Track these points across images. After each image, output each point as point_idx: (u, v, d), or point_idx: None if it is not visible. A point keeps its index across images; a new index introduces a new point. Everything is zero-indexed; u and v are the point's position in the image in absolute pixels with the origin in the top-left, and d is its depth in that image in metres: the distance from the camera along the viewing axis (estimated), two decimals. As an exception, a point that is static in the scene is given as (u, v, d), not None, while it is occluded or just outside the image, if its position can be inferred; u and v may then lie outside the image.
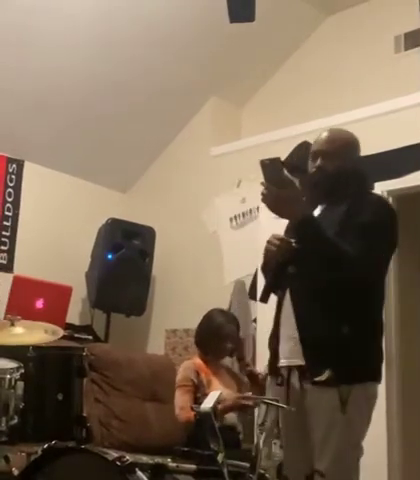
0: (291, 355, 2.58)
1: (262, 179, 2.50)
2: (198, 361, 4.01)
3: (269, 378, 2.71)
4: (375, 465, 4.30)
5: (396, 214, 2.68)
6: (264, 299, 2.63)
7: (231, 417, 3.77)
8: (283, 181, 2.46)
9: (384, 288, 2.69)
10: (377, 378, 2.60)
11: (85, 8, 4.89)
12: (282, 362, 2.63)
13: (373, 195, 2.75)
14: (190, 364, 3.99)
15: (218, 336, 4.00)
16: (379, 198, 2.73)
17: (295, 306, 2.58)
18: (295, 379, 2.57)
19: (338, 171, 2.65)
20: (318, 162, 2.68)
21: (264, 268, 2.75)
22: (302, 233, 2.51)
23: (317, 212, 2.68)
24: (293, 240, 2.56)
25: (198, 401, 3.42)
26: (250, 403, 3.66)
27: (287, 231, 2.69)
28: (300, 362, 2.54)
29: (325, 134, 2.75)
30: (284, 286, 2.64)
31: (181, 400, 3.75)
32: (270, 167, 2.44)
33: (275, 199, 2.47)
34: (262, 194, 2.49)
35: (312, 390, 2.50)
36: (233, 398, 3.74)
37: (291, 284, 2.62)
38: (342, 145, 2.71)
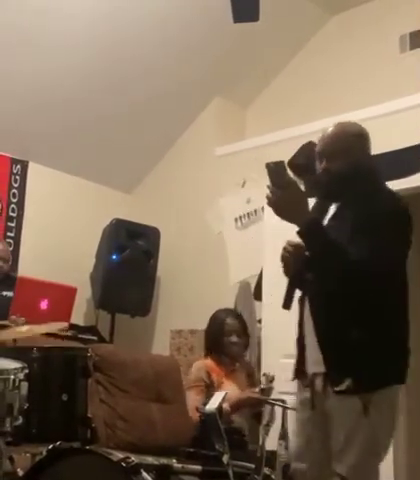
0: (318, 363, 2.52)
1: (267, 181, 2.48)
2: (209, 362, 4.00)
3: (296, 382, 2.66)
4: (381, 465, 4.29)
5: (408, 210, 2.61)
6: (287, 306, 2.59)
7: (238, 420, 3.76)
8: (287, 183, 2.45)
9: (404, 285, 2.63)
10: (399, 380, 2.54)
11: (85, 8, 4.89)
12: (310, 369, 2.58)
13: (384, 193, 2.63)
14: (202, 364, 4.00)
15: (221, 332, 4.00)
16: (390, 196, 2.61)
17: (313, 313, 2.54)
18: (319, 382, 2.53)
19: (343, 171, 2.57)
20: (323, 163, 2.63)
21: (285, 273, 2.67)
22: (306, 236, 2.46)
23: (330, 213, 2.64)
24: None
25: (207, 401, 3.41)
26: (255, 396, 3.62)
27: None
28: (325, 370, 2.50)
29: (329, 131, 2.67)
30: (304, 293, 2.60)
31: (194, 400, 3.71)
32: (275, 170, 2.44)
33: (280, 202, 2.44)
34: (267, 197, 2.46)
35: (334, 395, 2.45)
36: (236, 395, 3.73)
37: (308, 291, 2.58)
38: (347, 142, 2.61)
